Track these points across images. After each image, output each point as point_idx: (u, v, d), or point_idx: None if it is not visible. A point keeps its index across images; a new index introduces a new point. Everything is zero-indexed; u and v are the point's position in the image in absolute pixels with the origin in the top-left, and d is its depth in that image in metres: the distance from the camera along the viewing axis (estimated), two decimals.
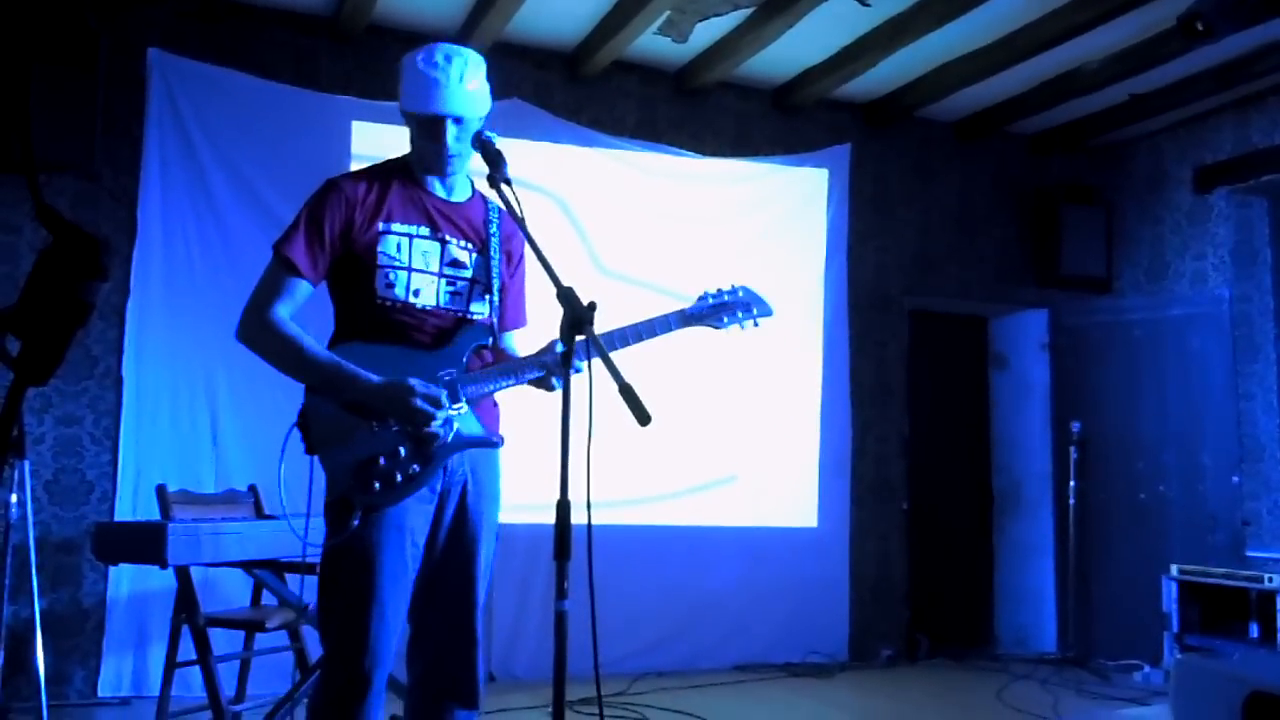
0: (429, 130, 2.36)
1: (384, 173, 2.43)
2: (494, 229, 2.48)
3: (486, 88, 2.41)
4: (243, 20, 5.25)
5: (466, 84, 2.35)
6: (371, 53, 5.45)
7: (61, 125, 4.51)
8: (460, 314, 2.40)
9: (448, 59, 2.34)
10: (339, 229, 2.32)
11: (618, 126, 5.98)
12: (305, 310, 2.35)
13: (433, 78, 2.32)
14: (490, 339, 2.43)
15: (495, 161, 2.32)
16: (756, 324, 2.66)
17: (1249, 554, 5.84)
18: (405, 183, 2.42)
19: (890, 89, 6.30)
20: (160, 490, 3.93)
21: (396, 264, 2.33)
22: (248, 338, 2.31)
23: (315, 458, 2.28)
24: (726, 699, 5.17)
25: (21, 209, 4.77)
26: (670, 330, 2.51)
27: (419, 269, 2.36)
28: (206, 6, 5.14)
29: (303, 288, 2.32)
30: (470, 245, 2.44)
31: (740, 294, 2.63)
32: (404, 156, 2.48)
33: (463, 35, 5.44)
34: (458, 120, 2.35)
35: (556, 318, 2.11)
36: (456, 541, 2.37)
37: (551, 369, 2.36)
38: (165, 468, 4.79)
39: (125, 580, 4.80)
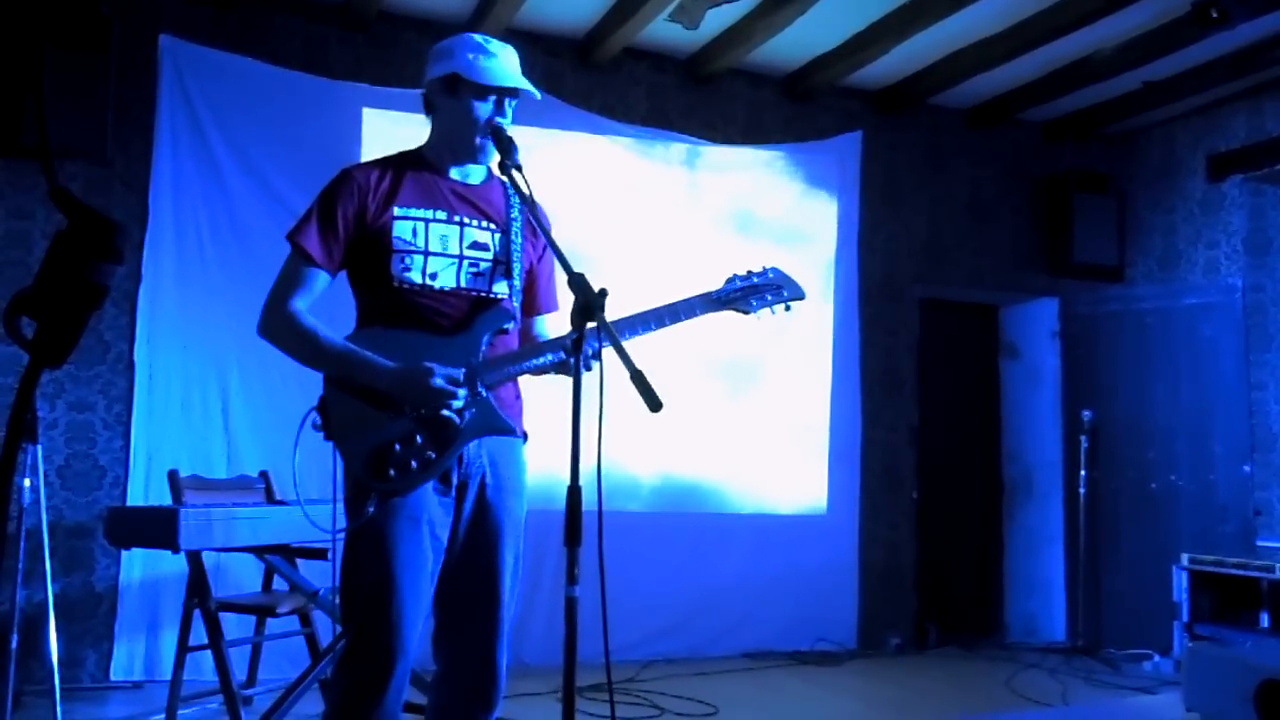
0: (486, 102, 2.33)
1: (398, 162, 2.40)
2: (515, 213, 2.43)
3: None
4: (254, 7, 5.26)
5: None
6: (383, 40, 5.45)
7: (74, 111, 4.53)
8: (481, 294, 2.34)
9: (500, 45, 2.37)
10: (352, 215, 2.29)
11: (629, 114, 5.96)
12: (327, 304, 2.34)
13: (498, 54, 2.33)
14: (511, 323, 2.37)
15: (506, 148, 2.30)
16: (788, 308, 2.51)
17: (1260, 544, 5.83)
18: (419, 169, 2.39)
19: (902, 76, 6.28)
20: (172, 475, 3.96)
21: (412, 248, 2.30)
22: (267, 333, 2.30)
23: (333, 445, 2.25)
24: (735, 686, 5.18)
25: (34, 194, 4.79)
26: (695, 315, 2.40)
27: (436, 252, 2.31)
28: None
29: (320, 278, 2.30)
30: (492, 226, 2.39)
31: (771, 275, 2.49)
32: (417, 149, 2.44)
33: (474, 21, 5.43)
34: (515, 97, 2.37)
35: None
36: (476, 536, 2.31)
37: (571, 353, 2.31)
38: (177, 453, 4.82)
39: (137, 565, 4.84)
